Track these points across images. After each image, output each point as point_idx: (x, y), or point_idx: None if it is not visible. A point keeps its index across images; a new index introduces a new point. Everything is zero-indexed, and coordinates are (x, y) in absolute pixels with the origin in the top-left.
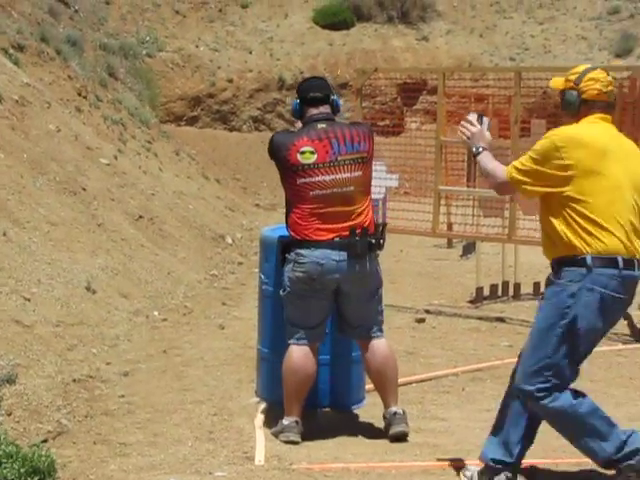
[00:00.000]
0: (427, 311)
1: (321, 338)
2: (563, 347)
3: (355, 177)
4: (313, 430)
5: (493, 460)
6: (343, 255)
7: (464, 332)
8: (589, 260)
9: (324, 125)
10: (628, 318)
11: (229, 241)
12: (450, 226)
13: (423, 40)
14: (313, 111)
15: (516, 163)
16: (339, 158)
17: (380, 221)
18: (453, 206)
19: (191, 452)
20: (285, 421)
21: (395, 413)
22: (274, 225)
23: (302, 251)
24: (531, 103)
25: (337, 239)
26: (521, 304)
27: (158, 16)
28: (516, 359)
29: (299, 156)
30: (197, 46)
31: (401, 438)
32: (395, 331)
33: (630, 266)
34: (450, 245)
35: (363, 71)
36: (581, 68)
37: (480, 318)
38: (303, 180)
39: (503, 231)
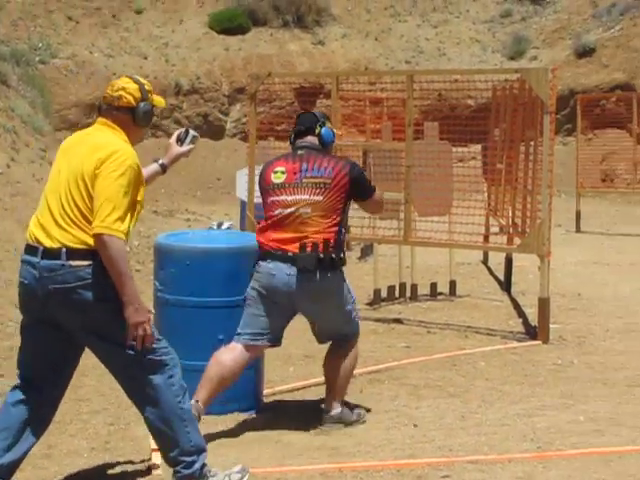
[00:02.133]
0: None
1: (263, 341)
2: None
3: (314, 201)
4: (213, 433)
5: None
6: (294, 269)
7: (362, 334)
8: None
9: (302, 152)
10: None
11: (126, 248)
12: (348, 229)
13: (319, 44)
14: (298, 140)
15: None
16: (303, 180)
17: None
18: (351, 209)
19: (87, 463)
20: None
21: (327, 413)
22: (170, 232)
23: (260, 262)
24: (426, 105)
25: (289, 254)
26: (418, 305)
27: (50, 22)
28: (413, 359)
29: (272, 175)
30: (91, 52)
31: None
32: (294, 334)
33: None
34: (348, 248)
35: (257, 76)
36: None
37: (378, 320)
38: (272, 198)
39: (399, 233)
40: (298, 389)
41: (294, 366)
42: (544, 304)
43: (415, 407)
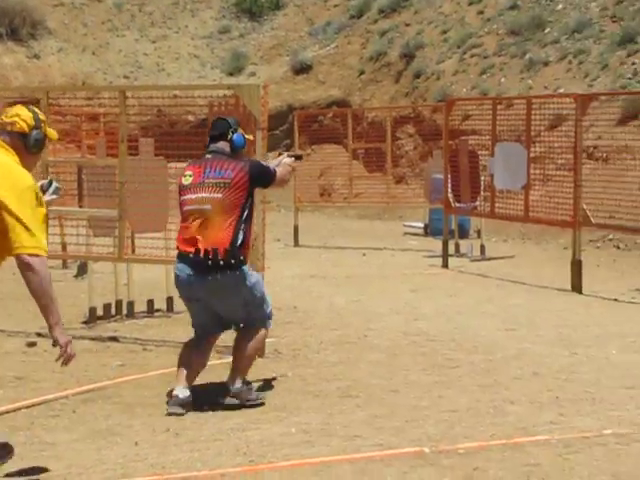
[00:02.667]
0: (39, 334)
1: (206, 333)
2: None
3: (214, 198)
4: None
5: None
6: (189, 270)
7: (77, 353)
8: None
9: (210, 156)
10: None
11: None
12: (64, 246)
13: (34, 58)
14: (211, 145)
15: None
16: (206, 181)
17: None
18: (67, 226)
19: None
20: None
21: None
22: None
23: (176, 261)
24: (146, 121)
25: (191, 255)
26: (135, 322)
27: None
28: (127, 377)
29: (183, 179)
30: None
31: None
32: (4, 357)
33: None
34: (65, 266)
35: None
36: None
37: (93, 338)
38: (182, 197)
39: (114, 250)
40: (9, 412)
41: (4, 389)
42: None
43: (128, 425)
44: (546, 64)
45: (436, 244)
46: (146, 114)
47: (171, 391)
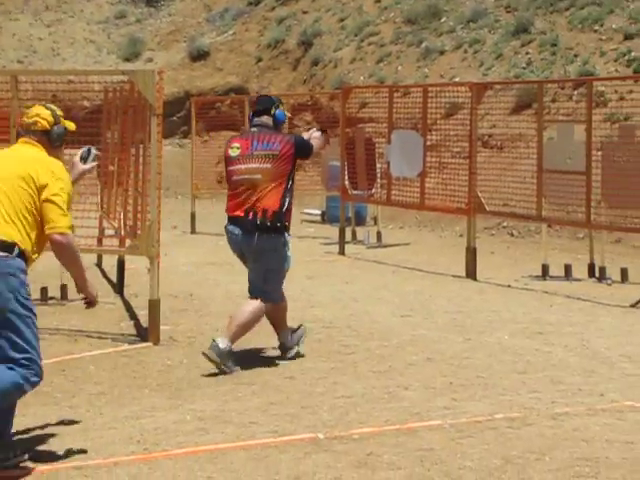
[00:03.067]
0: None
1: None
2: None
3: (263, 168)
4: None
5: None
6: (239, 230)
7: None
8: None
9: (255, 129)
10: None
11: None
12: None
13: None
14: (255, 119)
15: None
16: (254, 152)
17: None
18: None
19: None
20: None
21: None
22: None
23: (227, 223)
24: None
25: (240, 217)
26: None
27: None
28: None
29: (230, 150)
30: None
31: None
32: None
33: None
34: None
35: None
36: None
37: None
38: (230, 168)
39: None
40: None
41: None
42: (154, 306)
43: (21, 415)
44: (442, 53)
45: (333, 231)
46: (40, 99)
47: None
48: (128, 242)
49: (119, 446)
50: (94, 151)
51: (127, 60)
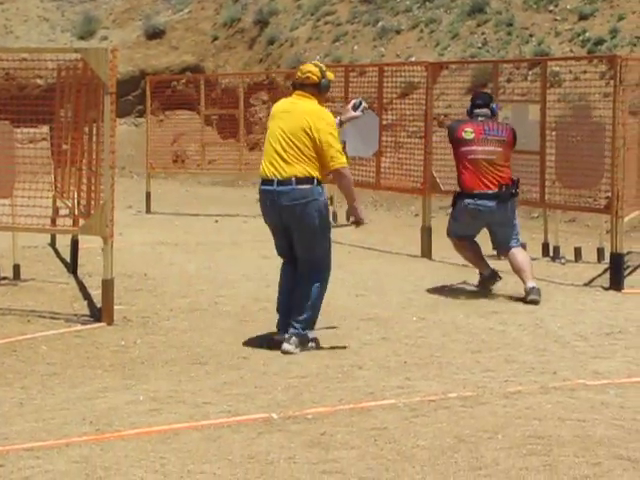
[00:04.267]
0: None
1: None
2: None
3: (498, 151)
4: None
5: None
6: (492, 202)
7: None
8: None
9: (482, 118)
10: None
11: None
12: None
13: None
14: (477, 110)
15: None
16: (489, 137)
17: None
18: None
19: None
20: None
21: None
22: None
23: (466, 200)
24: None
25: (490, 191)
26: None
27: None
28: None
29: (463, 133)
30: None
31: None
32: None
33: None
34: None
35: None
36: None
37: None
38: (465, 148)
39: None
40: None
41: None
42: (108, 285)
43: None
44: (398, 32)
45: None
46: None
47: None
48: (82, 222)
49: (71, 427)
50: (364, 103)
51: (82, 38)
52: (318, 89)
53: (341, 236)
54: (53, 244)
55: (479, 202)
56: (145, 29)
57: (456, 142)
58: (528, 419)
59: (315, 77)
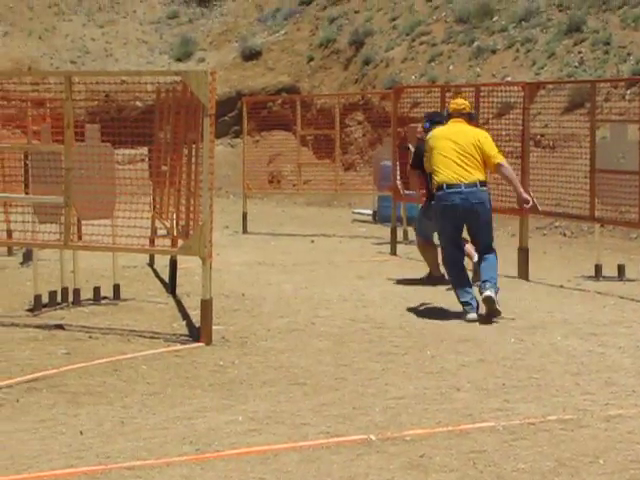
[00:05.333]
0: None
1: None
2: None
3: None
4: None
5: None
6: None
7: (21, 342)
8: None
9: None
10: None
11: None
12: (10, 233)
13: None
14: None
15: None
16: None
17: None
18: (13, 213)
19: None
20: None
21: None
22: None
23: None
24: (94, 107)
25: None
26: (81, 310)
27: None
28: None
29: None
30: None
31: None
32: None
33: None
34: (10, 253)
35: None
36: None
37: (39, 326)
38: None
39: (60, 237)
40: None
41: None
42: (206, 305)
43: (74, 415)
44: (494, 52)
45: (384, 231)
46: (93, 100)
47: None
48: (180, 242)
49: (171, 446)
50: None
51: (179, 60)
52: (469, 117)
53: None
54: (152, 264)
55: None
56: (241, 50)
57: None
58: (630, 443)
59: (468, 108)
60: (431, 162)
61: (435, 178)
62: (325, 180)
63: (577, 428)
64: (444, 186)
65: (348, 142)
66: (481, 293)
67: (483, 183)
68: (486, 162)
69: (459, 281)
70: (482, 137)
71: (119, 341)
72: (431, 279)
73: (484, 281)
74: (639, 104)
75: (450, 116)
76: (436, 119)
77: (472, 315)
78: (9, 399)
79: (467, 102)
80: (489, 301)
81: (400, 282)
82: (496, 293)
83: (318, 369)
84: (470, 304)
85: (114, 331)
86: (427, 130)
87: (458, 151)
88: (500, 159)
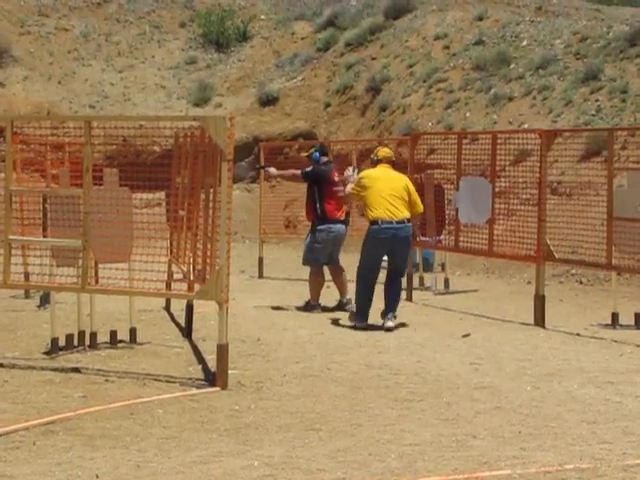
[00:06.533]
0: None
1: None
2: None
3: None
4: None
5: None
6: (344, 227)
7: (37, 384)
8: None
9: (331, 165)
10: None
11: None
12: (27, 276)
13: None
14: (324, 158)
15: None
16: (338, 179)
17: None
18: (30, 256)
19: None
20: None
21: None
22: None
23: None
24: (112, 151)
25: (341, 217)
26: (97, 353)
27: None
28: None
29: (335, 178)
30: None
31: None
32: None
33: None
34: (27, 296)
35: None
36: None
37: (55, 369)
38: (336, 188)
39: (78, 280)
40: None
41: None
42: (222, 350)
43: (90, 458)
44: (511, 99)
45: None
46: (111, 144)
47: None
48: (197, 286)
49: None
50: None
51: (196, 105)
52: (393, 164)
53: (454, 303)
54: (168, 308)
55: (338, 226)
56: (259, 96)
57: (328, 183)
58: None
59: (392, 157)
60: (368, 200)
61: (371, 213)
62: None
63: (594, 477)
64: (379, 221)
65: None
66: (383, 323)
67: (409, 220)
68: (411, 206)
69: (363, 295)
70: (409, 183)
71: (135, 385)
72: (308, 307)
73: (388, 312)
74: None
75: (379, 161)
76: (325, 150)
77: (361, 324)
78: (26, 442)
79: (392, 152)
80: (389, 330)
81: (274, 309)
82: (394, 318)
83: (334, 415)
84: (362, 316)
85: (130, 375)
86: (316, 160)
87: (391, 193)
88: (422, 208)
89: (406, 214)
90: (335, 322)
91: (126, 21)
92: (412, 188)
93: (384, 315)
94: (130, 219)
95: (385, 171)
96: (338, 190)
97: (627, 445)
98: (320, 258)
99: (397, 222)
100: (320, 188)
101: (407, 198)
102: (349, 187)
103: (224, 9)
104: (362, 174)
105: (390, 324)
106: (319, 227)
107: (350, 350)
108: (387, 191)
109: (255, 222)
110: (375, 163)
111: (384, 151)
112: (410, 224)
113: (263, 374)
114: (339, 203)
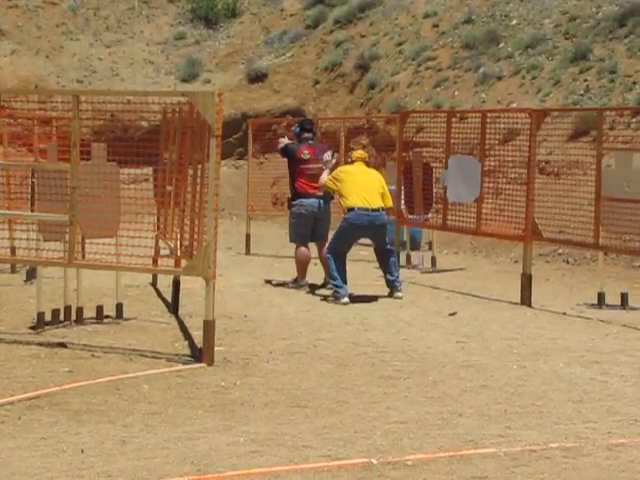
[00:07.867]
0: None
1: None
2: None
3: (320, 167)
4: None
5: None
6: (319, 201)
7: (23, 359)
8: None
9: (311, 142)
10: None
11: None
12: (14, 251)
13: None
14: (306, 134)
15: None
16: (318, 157)
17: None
18: (17, 230)
19: None
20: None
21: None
22: None
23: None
24: (99, 126)
25: (317, 193)
26: (84, 328)
27: None
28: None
29: (302, 155)
30: None
31: None
32: None
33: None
34: (14, 270)
35: None
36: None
37: (41, 344)
38: (303, 166)
39: (64, 255)
40: None
41: None
42: (209, 326)
43: (75, 433)
44: (499, 78)
45: None
46: (99, 119)
47: None
48: (184, 262)
49: (172, 466)
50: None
51: (185, 81)
52: (367, 163)
53: (440, 281)
54: (154, 284)
55: (311, 200)
56: (247, 72)
57: (296, 161)
58: (632, 472)
59: (367, 157)
60: (344, 191)
61: (347, 201)
62: None
63: (579, 456)
64: (355, 208)
65: None
66: (391, 292)
67: (383, 209)
68: (383, 199)
69: (338, 272)
70: (381, 178)
71: (121, 360)
72: (295, 283)
73: (395, 281)
74: None
75: (354, 162)
76: (306, 126)
77: (345, 299)
78: (11, 416)
79: (366, 154)
80: (398, 298)
81: (268, 282)
82: (401, 287)
83: (320, 392)
84: (342, 289)
85: (116, 350)
86: (297, 135)
87: (366, 185)
88: (391, 203)
89: (381, 203)
90: (322, 299)
91: None
92: (384, 183)
93: (391, 284)
94: (117, 194)
95: (360, 166)
96: (307, 168)
97: (612, 424)
98: (301, 233)
99: (372, 210)
100: (290, 164)
101: (381, 191)
102: (324, 177)
103: None
104: (339, 168)
105: (399, 294)
106: (293, 202)
107: (337, 327)
108: (362, 183)
109: (242, 199)
110: (350, 163)
111: (359, 152)
112: (385, 212)
113: (249, 351)
114: (312, 179)
